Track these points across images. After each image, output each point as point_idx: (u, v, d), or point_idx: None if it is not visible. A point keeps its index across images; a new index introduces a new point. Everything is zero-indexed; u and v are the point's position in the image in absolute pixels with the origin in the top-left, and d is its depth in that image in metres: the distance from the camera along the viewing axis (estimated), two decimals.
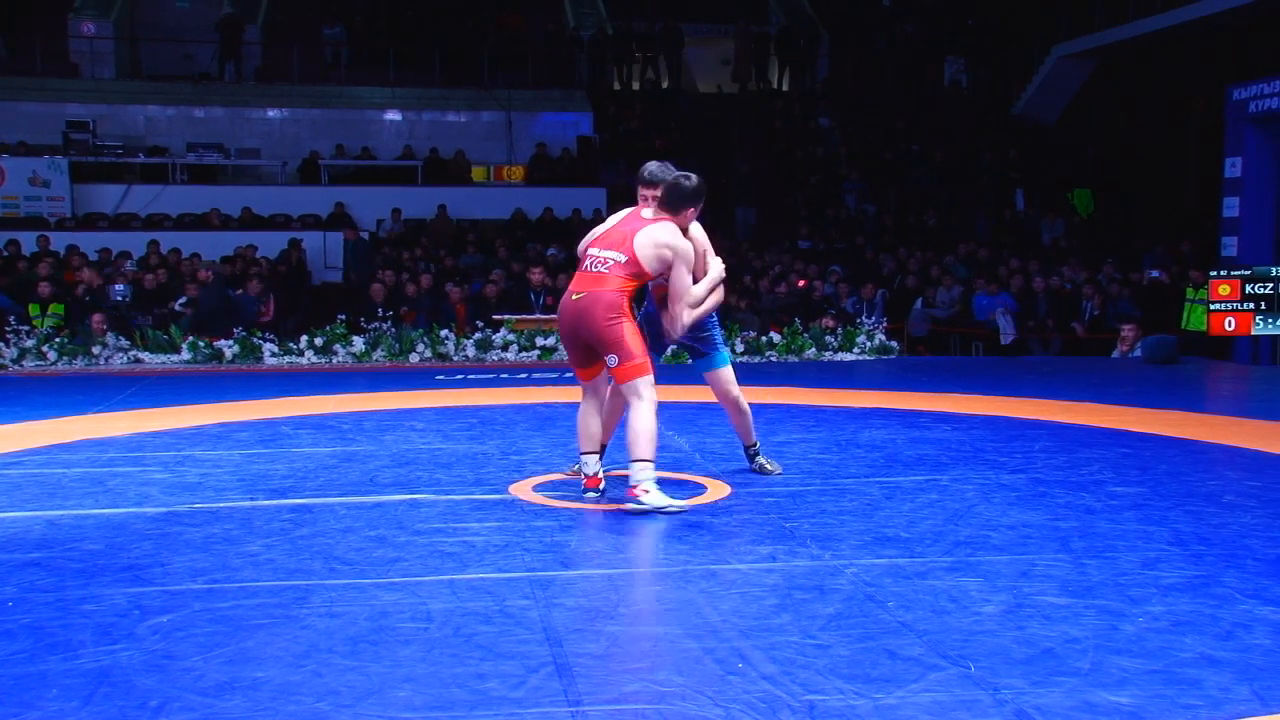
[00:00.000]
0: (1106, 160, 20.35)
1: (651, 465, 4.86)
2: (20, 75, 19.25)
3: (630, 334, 4.94)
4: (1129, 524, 4.65)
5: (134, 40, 21.48)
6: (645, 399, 4.91)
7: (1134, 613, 3.51)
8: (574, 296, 5.02)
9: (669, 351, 5.95)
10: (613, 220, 5.31)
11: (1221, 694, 2.90)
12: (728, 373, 5.55)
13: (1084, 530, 4.55)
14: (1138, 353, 11.76)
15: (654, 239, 5.03)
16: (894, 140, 20.48)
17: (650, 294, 5.45)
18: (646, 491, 4.82)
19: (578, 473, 5.33)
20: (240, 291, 13.12)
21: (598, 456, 5.23)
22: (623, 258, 5.00)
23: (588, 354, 5.08)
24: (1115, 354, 12.33)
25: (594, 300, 4.94)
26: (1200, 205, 17.35)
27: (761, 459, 5.76)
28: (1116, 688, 2.94)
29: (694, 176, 5.20)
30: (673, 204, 5.13)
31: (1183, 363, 11.28)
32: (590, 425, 5.20)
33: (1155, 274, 14.35)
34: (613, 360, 4.94)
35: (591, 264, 5.06)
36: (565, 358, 11.58)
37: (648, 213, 5.17)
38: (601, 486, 5.18)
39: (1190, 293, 12.68)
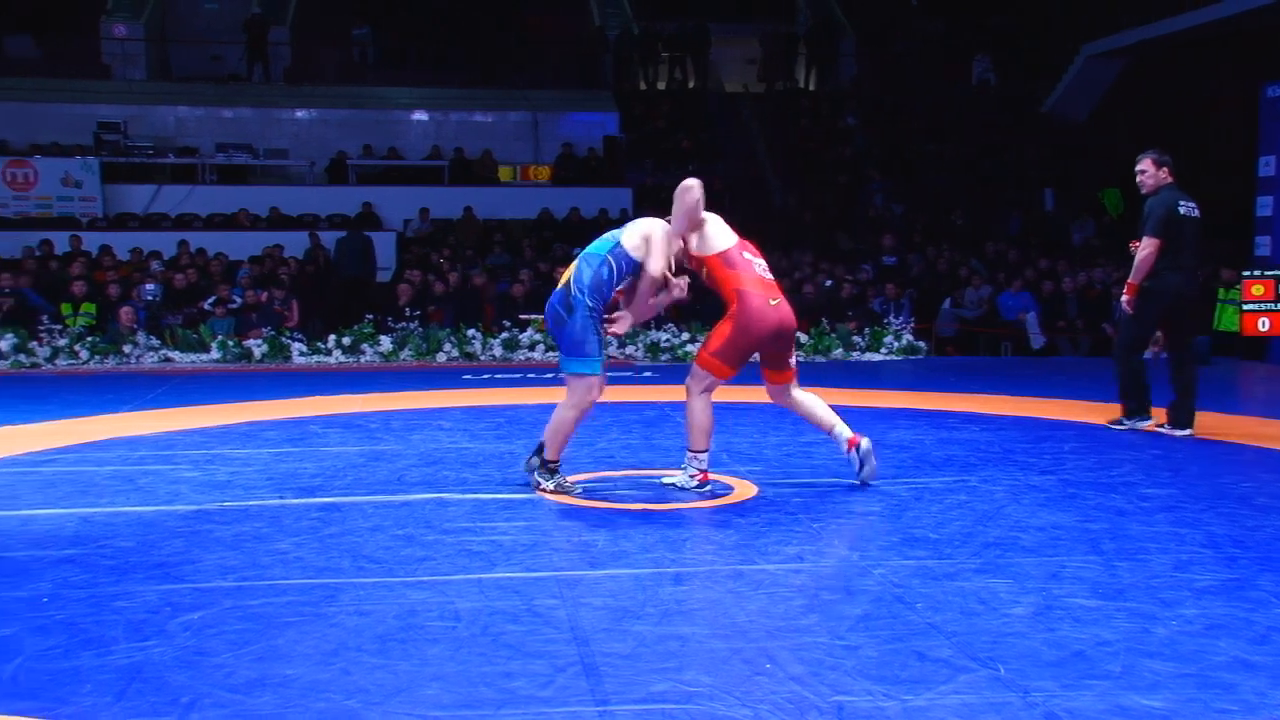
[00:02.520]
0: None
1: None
2: (53, 77, 19.44)
3: None
4: (1161, 526, 4.61)
5: (164, 42, 21.66)
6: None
7: (1166, 616, 3.48)
8: (772, 301, 5.19)
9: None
10: (715, 221, 5.29)
11: (1257, 699, 2.87)
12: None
13: (1115, 532, 4.51)
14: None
15: None
16: (922, 140, 20.38)
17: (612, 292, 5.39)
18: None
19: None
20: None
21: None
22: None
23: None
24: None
25: (788, 304, 5.29)
26: (1232, 204, 17.16)
27: (542, 475, 5.30)
28: (1149, 691, 2.91)
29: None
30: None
31: (1214, 364, 11.17)
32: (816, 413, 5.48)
33: None
34: (794, 360, 5.42)
35: (763, 269, 5.29)
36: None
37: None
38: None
39: (1222, 293, 12.55)
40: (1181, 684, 2.96)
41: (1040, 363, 12.24)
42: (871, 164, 19.63)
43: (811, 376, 10.24)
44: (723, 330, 5.20)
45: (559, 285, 5.17)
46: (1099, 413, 7.77)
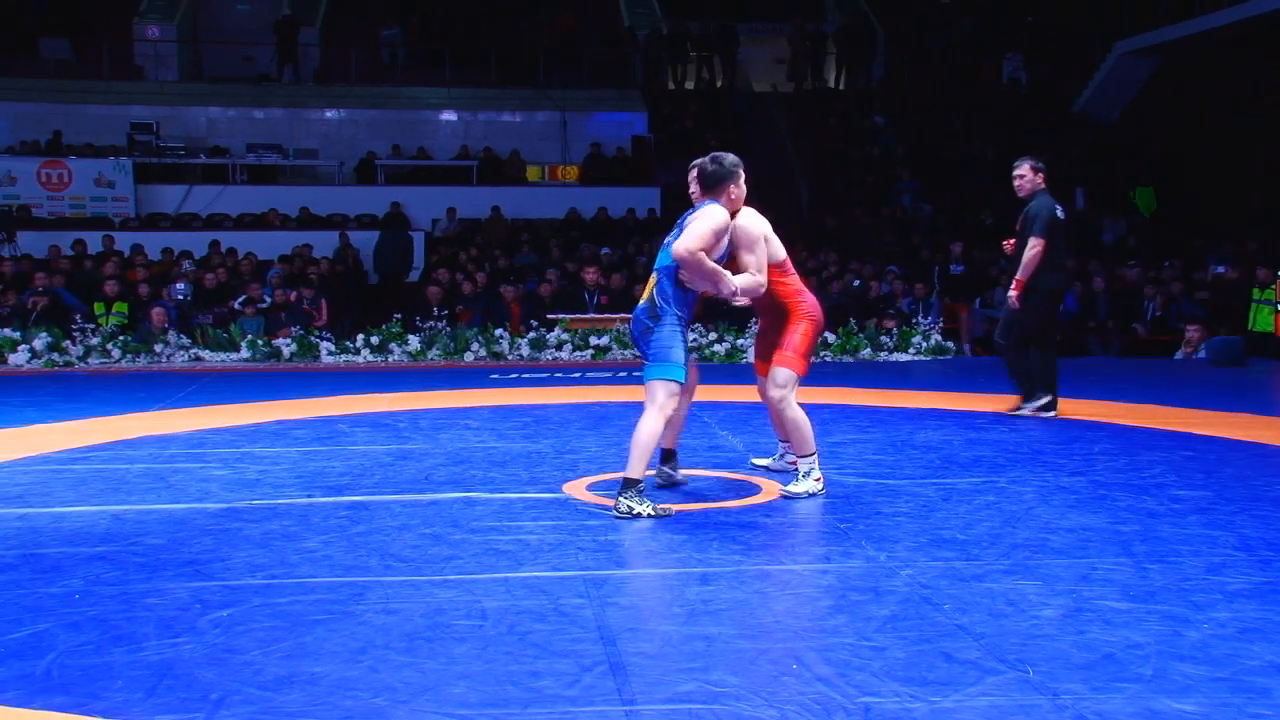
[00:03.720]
0: (1170, 158, 19.98)
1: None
2: (87, 79, 19.65)
3: None
4: (1193, 528, 4.56)
5: (196, 43, 21.84)
6: None
7: (1199, 619, 3.45)
8: None
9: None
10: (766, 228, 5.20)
11: None
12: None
13: (1146, 534, 4.47)
14: (1202, 354, 11.53)
15: None
16: (951, 139, 20.25)
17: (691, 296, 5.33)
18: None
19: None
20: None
21: None
22: None
23: None
24: (1179, 355, 12.10)
25: None
26: (1267, 204, 16.97)
27: (632, 498, 4.82)
28: (1180, 695, 2.88)
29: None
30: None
31: (1249, 365, 11.05)
32: None
33: (1221, 269, 14.07)
34: None
35: None
36: (619, 359, 11.68)
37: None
38: None
39: (1256, 293, 12.41)
40: (1214, 688, 2.93)
41: (1070, 363, 12.13)
42: (900, 163, 19.52)
43: (839, 377, 10.21)
44: (802, 330, 5.26)
45: (641, 301, 4.98)
46: (1130, 413, 7.70)
